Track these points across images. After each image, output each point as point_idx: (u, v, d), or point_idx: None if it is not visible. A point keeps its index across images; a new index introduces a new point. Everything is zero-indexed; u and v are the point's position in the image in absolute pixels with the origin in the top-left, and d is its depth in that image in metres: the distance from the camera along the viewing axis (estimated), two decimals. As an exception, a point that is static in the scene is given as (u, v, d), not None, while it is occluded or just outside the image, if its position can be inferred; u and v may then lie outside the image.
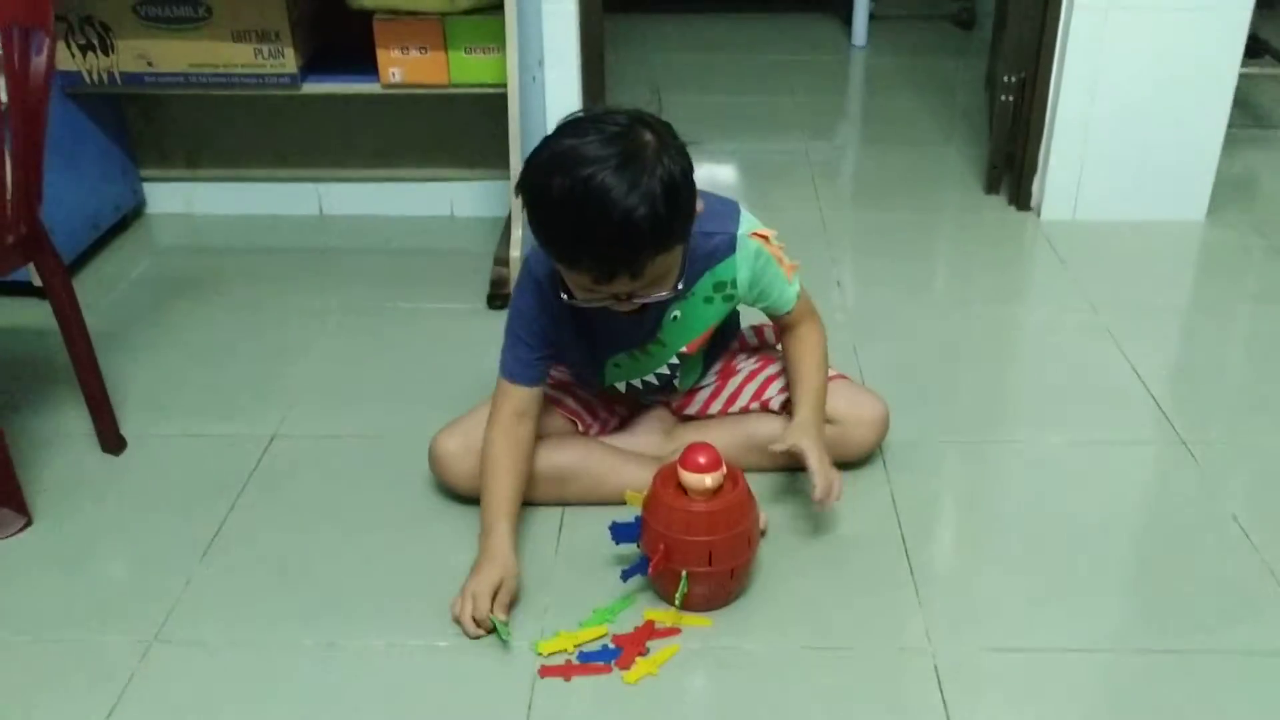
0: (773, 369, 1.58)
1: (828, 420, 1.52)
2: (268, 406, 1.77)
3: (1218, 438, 1.69)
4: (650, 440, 1.56)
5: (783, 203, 2.54)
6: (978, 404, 1.80)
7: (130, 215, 2.43)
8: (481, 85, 2.12)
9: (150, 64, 2.13)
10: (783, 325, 1.52)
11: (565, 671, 1.26)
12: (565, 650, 1.28)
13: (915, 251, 2.34)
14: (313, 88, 2.17)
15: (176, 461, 1.64)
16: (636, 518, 1.35)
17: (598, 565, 1.39)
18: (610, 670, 1.26)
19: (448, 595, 1.36)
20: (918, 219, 2.49)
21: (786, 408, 1.53)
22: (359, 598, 1.38)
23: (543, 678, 1.25)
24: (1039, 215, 2.45)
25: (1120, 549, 1.48)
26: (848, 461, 1.58)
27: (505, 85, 2.04)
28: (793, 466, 1.52)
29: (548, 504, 1.51)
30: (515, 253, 2.07)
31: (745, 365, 1.61)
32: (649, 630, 1.31)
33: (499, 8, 2.00)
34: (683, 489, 1.31)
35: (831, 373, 1.57)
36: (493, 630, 1.29)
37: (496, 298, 2.07)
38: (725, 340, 1.62)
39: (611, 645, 1.29)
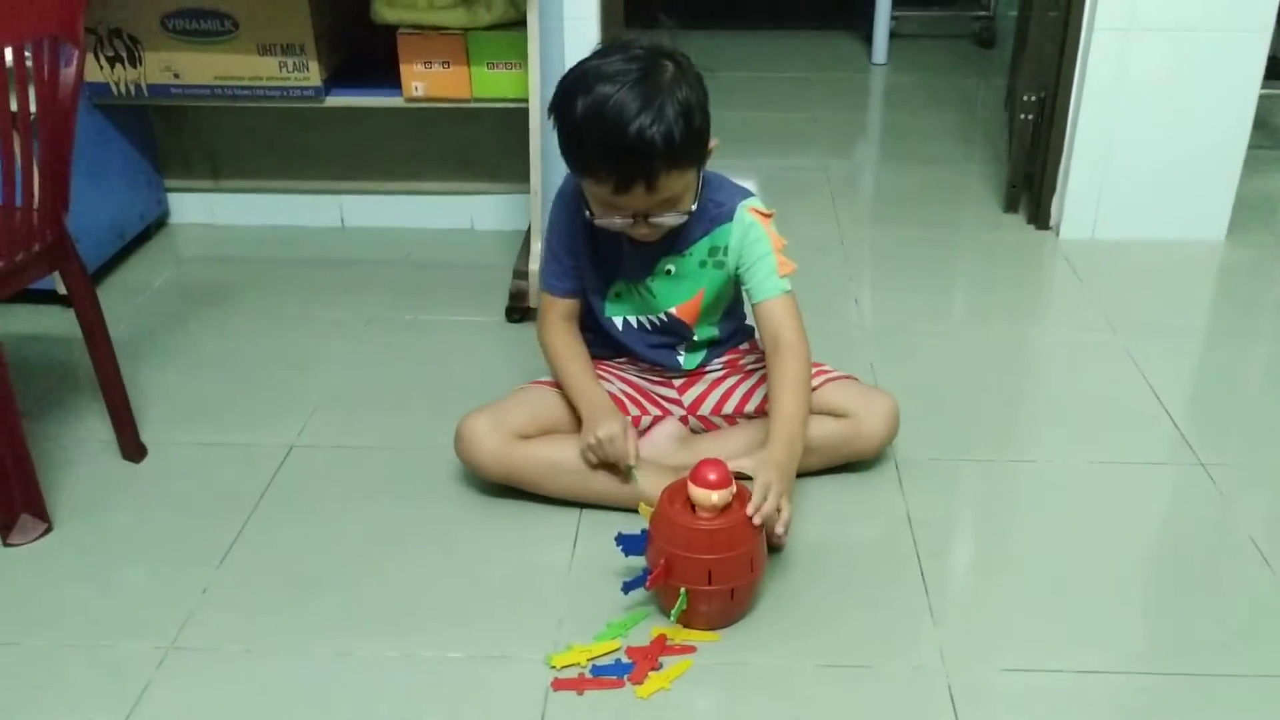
0: None
1: (839, 414, 1.55)
2: (287, 416, 1.78)
3: (1236, 460, 1.68)
4: (665, 448, 1.56)
5: (801, 219, 2.54)
6: (994, 423, 1.80)
7: (154, 225, 2.46)
8: (503, 100, 2.14)
9: (177, 76, 2.15)
10: (767, 331, 1.50)
11: (578, 685, 1.26)
12: (578, 663, 1.28)
13: (933, 269, 2.34)
14: (336, 101, 2.19)
15: (196, 470, 1.65)
16: (644, 530, 1.36)
17: (612, 579, 1.39)
18: (623, 684, 1.26)
19: (464, 606, 1.37)
20: (936, 237, 2.49)
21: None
22: (374, 608, 1.38)
23: (555, 691, 1.25)
24: (1058, 234, 2.44)
25: (1136, 571, 1.48)
26: (862, 458, 1.60)
27: (527, 100, 2.06)
28: (808, 473, 1.52)
29: (538, 494, 1.53)
30: (534, 266, 2.08)
31: (754, 366, 1.63)
32: (662, 644, 1.31)
33: (521, 24, 2.02)
34: (690, 505, 1.31)
35: (838, 373, 1.59)
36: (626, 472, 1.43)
37: (515, 311, 2.08)
38: (737, 337, 1.65)
39: (625, 659, 1.29)
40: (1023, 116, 2.47)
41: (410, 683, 1.27)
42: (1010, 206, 2.57)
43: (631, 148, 1.32)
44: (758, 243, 1.50)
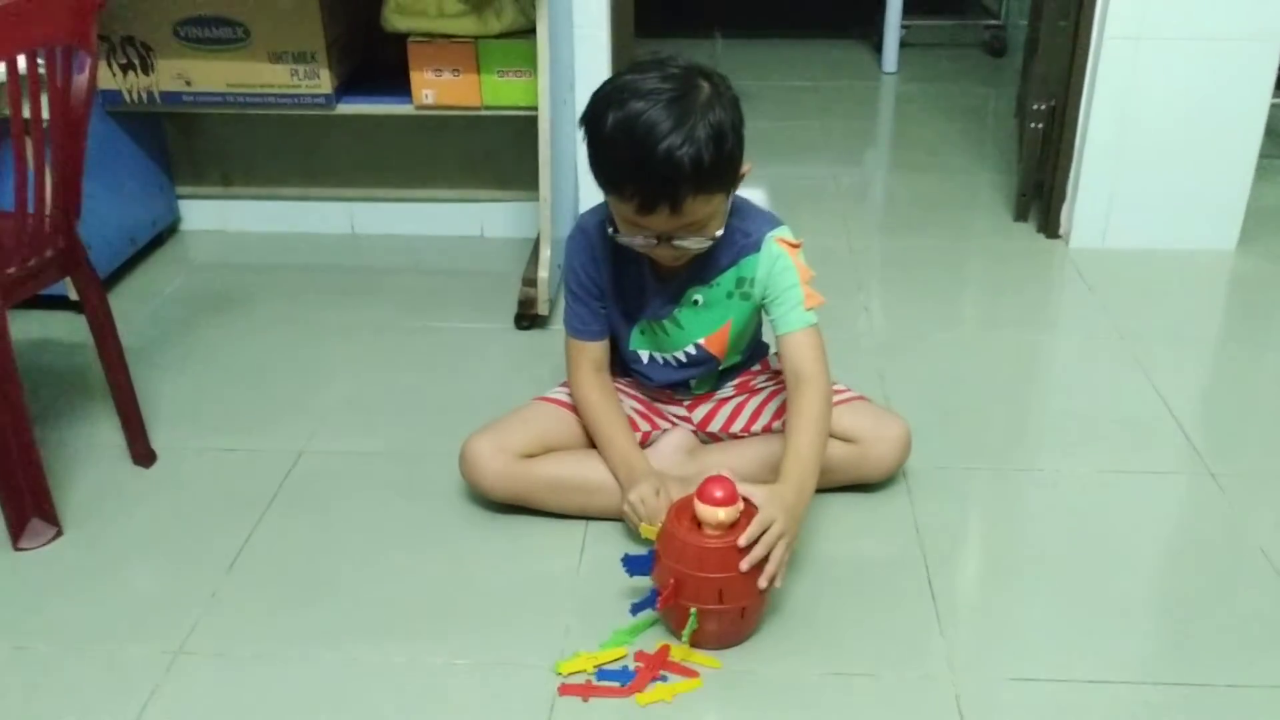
0: None
1: (848, 439, 1.53)
2: (296, 422, 1.78)
3: (1246, 470, 1.67)
4: (674, 459, 1.56)
5: (811, 228, 2.52)
6: (1003, 431, 1.79)
7: (166, 232, 2.47)
8: (513, 108, 2.14)
9: (189, 84, 2.16)
10: (789, 365, 1.45)
11: (584, 691, 1.26)
12: (585, 670, 1.28)
13: (943, 278, 2.34)
14: (347, 108, 2.20)
15: (205, 475, 1.66)
16: (650, 550, 1.34)
17: (619, 587, 1.39)
18: (625, 693, 1.25)
19: (471, 613, 1.37)
20: (946, 245, 2.48)
21: None
22: (382, 613, 1.38)
23: (561, 696, 1.25)
24: (1068, 243, 2.44)
25: (1145, 580, 1.47)
26: (870, 482, 1.59)
27: (537, 108, 2.06)
28: (815, 489, 1.52)
29: (546, 510, 1.53)
30: (544, 273, 2.08)
31: (766, 385, 1.62)
32: (665, 656, 1.30)
33: (532, 32, 2.02)
34: (698, 523, 1.29)
35: (851, 394, 1.58)
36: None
37: (524, 318, 2.09)
38: (750, 360, 1.64)
39: (634, 664, 1.29)
40: (1033, 125, 2.46)
41: (417, 689, 1.27)
42: (1020, 215, 2.56)
43: (658, 168, 1.29)
44: (785, 273, 1.46)
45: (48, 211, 1.47)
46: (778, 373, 1.64)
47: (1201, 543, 1.53)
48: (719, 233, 1.40)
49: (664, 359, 1.56)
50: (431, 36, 2.09)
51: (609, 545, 1.43)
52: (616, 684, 1.26)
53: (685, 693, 1.26)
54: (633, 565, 1.35)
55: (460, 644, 1.33)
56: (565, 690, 1.26)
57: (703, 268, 1.48)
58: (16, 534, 1.48)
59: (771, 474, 1.50)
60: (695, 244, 1.39)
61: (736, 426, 1.60)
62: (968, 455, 1.70)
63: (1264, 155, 2.34)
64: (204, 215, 2.52)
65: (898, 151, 3.24)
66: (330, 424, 1.79)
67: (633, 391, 1.63)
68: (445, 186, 2.48)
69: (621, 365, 1.62)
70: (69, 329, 2.00)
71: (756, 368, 1.66)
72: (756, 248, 1.46)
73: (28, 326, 2.02)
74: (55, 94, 1.41)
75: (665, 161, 1.28)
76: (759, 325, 1.60)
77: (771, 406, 1.59)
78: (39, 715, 1.24)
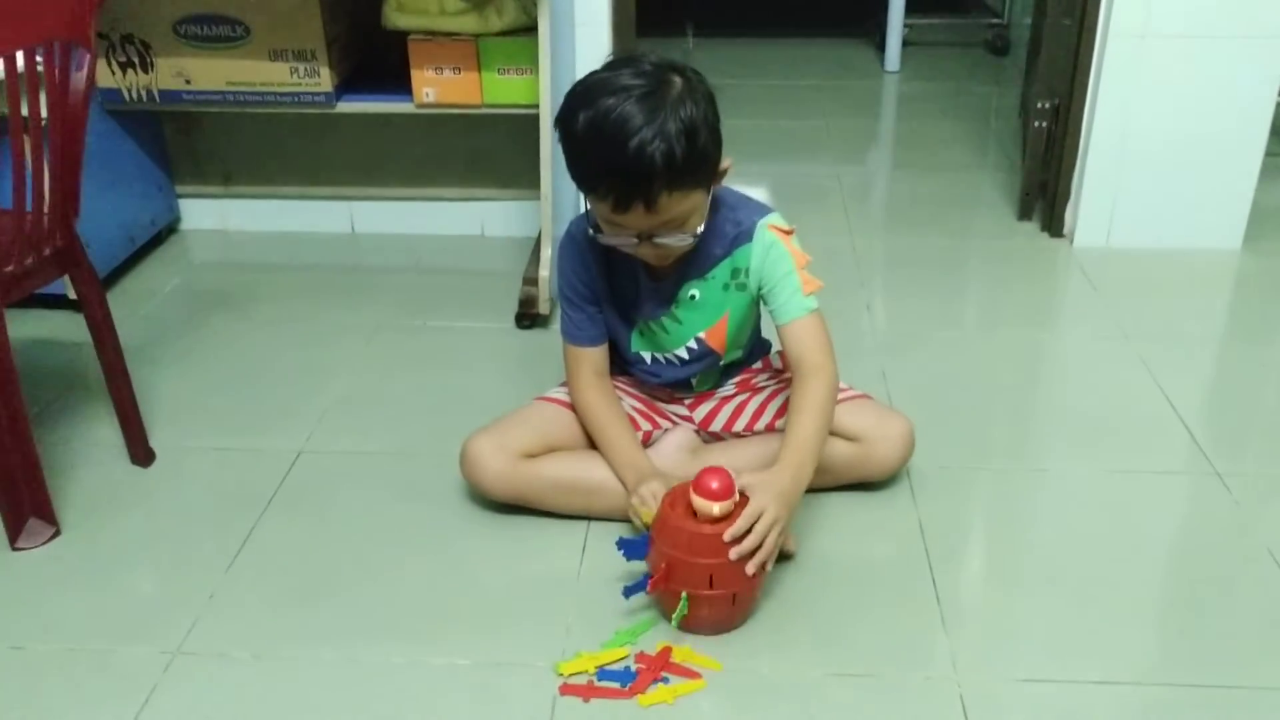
0: None
1: (851, 438, 1.52)
2: (296, 422, 1.78)
3: (1252, 469, 1.66)
4: (676, 458, 1.55)
5: (814, 227, 2.52)
6: (1008, 431, 1.78)
7: (165, 230, 2.46)
8: (514, 106, 2.13)
9: (189, 82, 2.16)
10: (792, 354, 1.44)
11: (585, 692, 1.25)
12: (586, 671, 1.27)
13: (946, 277, 2.33)
14: (347, 106, 2.20)
15: (204, 475, 1.65)
16: (645, 534, 1.35)
17: (620, 587, 1.38)
18: (626, 694, 1.25)
19: (472, 613, 1.37)
20: (949, 245, 2.47)
21: None
22: (382, 613, 1.38)
23: (562, 696, 1.24)
24: (1072, 242, 2.43)
25: (1151, 581, 1.46)
26: (874, 480, 1.58)
27: (537, 106, 2.05)
28: (818, 488, 1.52)
29: (546, 511, 1.52)
30: (544, 272, 2.07)
31: (768, 384, 1.61)
32: (666, 658, 1.29)
33: (532, 30, 2.02)
34: (692, 510, 1.30)
35: (854, 393, 1.57)
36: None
37: (525, 317, 2.08)
38: (751, 357, 1.63)
39: (634, 665, 1.28)
40: (1037, 124, 2.46)
41: (418, 689, 1.26)
42: (1024, 214, 2.55)
43: (630, 165, 1.27)
44: (780, 261, 1.45)
45: (46, 209, 1.46)
46: (779, 371, 1.64)
47: (1208, 543, 1.52)
48: (700, 229, 1.38)
49: (666, 358, 1.56)
50: (432, 34, 2.08)
51: (610, 546, 1.42)
52: (618, 685, 1.26)
53: (687, 694, 1.25)
54: (628, 549, 1.35)
55: (460, 644, 1.32)
56: (566, 690, 1.25)
57: (696, 262, 1.47)
58: (14, 533, 1.47)
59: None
60: (677, 241, 1.37)
61: (739, 426, 1.59)
62: (971, 455, 1.69)
63: (1269, 153, 2.33)
64: (203, 214, 2.51)
65: (900, 150, 3.23)
66: (330, 424, 1.78)
67: (633, 390, 1.62)
68: (446, 185, 2.47)
69: (621, 364, 1.61)
70: (67, 328, 2.00)
71: (758, 365, 1.65)
72: (749, 237, 1.45)
73: (26, 325, 2.01)
74: (53, 91, 1.40)
75: (637, 158, 1.26)
76: (759, 320, 1.59)
77: (774, 406, 1.58)
78: (37, 716, 1.23)
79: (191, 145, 2.45)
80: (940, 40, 4.10)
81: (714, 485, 1.28)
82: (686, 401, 1.62)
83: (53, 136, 1.42)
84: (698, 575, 1.28)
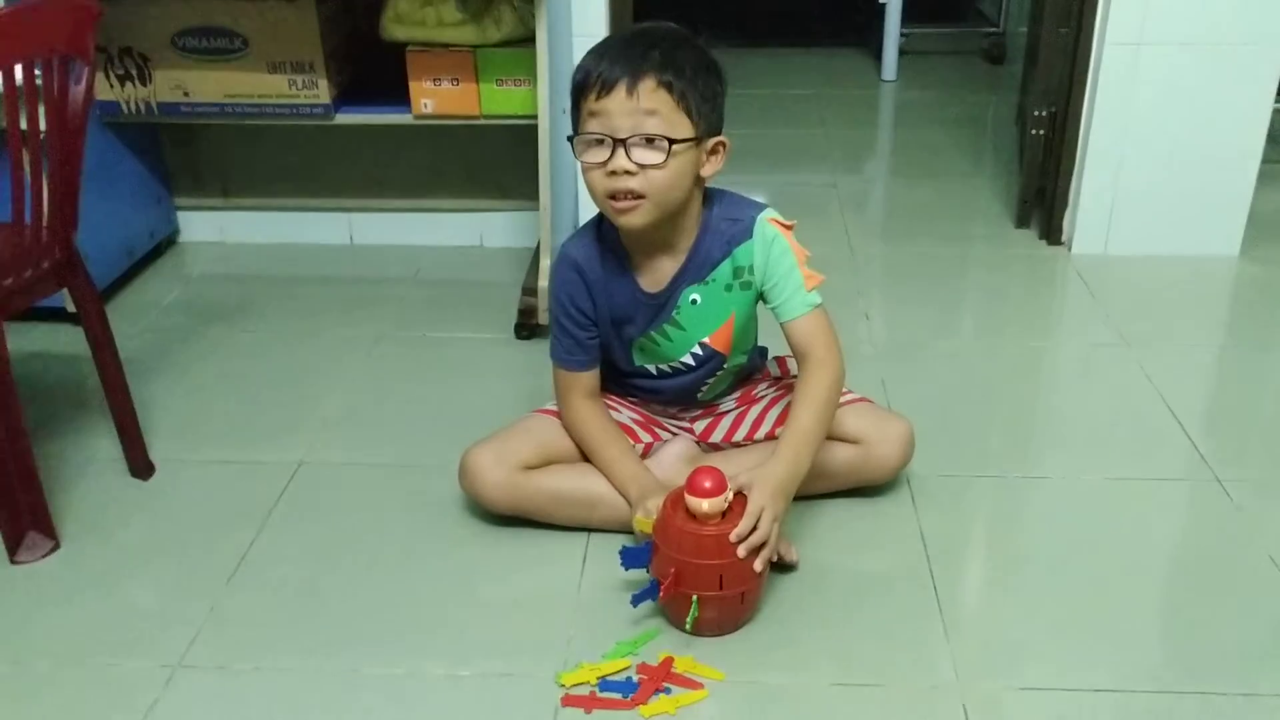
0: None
1: (851, 440, 1.52)
2: (295, 433, 1.77)
3: (1253, 476, 1.66)
4: (675, 469, 1.55)
5: (812, 235, 2.48)
6: (1007, 439, 1.78)
7: (164, 243, 2.46)
8: (512, 117, 2.14)
9: (187, 94, 2.16)
10: (797, 350, 1.45)
11: (586, 703, 1.24)
12: (588, 681, 1.27)
13: (945, 285, 2.33)
14: (345, 118, 2.20)
15: (204, 487, 1.65)
16: (647, 543, 1.35)
17: (622, 597, 1.38)
18: (629, 705, 1.24)
19: (472, 624, 1.36)
20: (947, 253, 2.48)
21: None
22: (382, 625, 1.37)
23: (564, 707, 1.24)
24: (1070, 250, 2.43)
25: (1153, 589, 1.46)
26: (874, 483, 1.58)
27: (536, 117, 2.06)
28: (819, 495, 1.51)
29: (546, 523, 1.52)
30: (544, 283, 2.07)
31: (766, 393, 1.61)
32: (668, 668, 1.29)
33: (531, 41, 2.02)
34: (692, 514, 1.30)
35: (853, 396, 1.56)
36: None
37: (524, 328, 2.08)
38: (750, 369, 1.62)
39: (636, 676, 1.28)
40: (1034, 132, 2.46)
41: (419, 700, 1.26)
42: (1022, 222, 2.55)
43: (625, 46, 1.34)
44: (783, 257, 1.44)
45: (45, 222, 1.46)
46: (778, 379, 1.63)
47: (1209, 550, 1.52)
48: (671, 150, 1.32)
49: (671, 367, 1.55)
50: (430, 46, 2.08)
51: (611, 557, 1.42)
52: (620, 695, 1.25)
53: (689, 704, 1.25)
54: (629, 558, 1.35)
55: (462, 655, 1.32)
56: (568, 701, 1.25)
57: (694, 267, 1.46)
58: (13, 547, 1.47)
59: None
60: (650, 159, 1.32)
61: (739, 435, 1.59)
62: (972, 463, 1.69)
63: (1266, 160, 2.33)
64: (202, 226, 2.51)
65: (898, 159, 3.24)
66: (329, 435, 1.78)
67: (631, 403, 1.61)
68: (444, 196, 2.47)
69: (620, 382, 1.60)
70: (66, 341, 1.99)
71: (758, 377, 1.64)
72: (748, 233, 1.44)
73: (25, 339, 2.01)
74: (52, 104, 1.41)
75: (633, 41, 1.34)
76: (758, 324, 1.58)
77: (773, 414, 1.57)
78: (36, 731, 1.23)
79: (190, 158, 2.46)
80: (937, 49, 4.10)
81: (707, 484, 1.29)
82: (689, 417, 1.61)
83: (51, 149, 1.43)
84: (707, 577, 1.28)
